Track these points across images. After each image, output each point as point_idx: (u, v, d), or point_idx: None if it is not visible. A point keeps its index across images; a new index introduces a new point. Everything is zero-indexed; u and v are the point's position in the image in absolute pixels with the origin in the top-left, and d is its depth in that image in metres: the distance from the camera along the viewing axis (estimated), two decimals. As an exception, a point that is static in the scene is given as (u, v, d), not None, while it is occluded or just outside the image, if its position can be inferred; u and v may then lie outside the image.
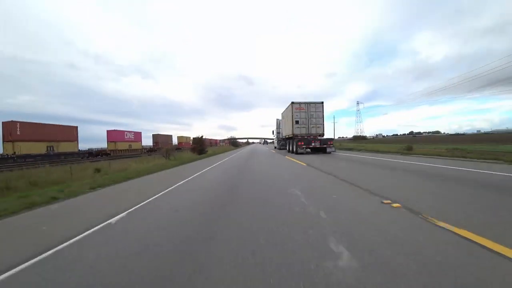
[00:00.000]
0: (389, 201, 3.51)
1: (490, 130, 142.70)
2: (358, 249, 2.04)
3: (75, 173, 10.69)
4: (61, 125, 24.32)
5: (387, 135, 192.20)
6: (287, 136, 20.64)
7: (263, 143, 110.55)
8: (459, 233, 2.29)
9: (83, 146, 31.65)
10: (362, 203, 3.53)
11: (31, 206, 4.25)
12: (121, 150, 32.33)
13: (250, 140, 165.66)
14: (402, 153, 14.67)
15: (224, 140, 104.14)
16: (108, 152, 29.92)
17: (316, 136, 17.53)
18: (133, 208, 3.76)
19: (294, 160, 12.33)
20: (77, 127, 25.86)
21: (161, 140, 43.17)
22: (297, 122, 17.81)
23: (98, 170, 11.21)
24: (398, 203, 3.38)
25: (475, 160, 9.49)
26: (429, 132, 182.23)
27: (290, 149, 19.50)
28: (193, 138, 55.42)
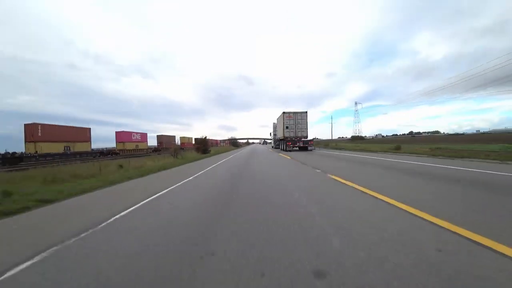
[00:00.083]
0: (319, 171, 5.75)
1: (488, 130, 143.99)
2: (306, 192, 4.10)
3: (101, 169, 12.75)
4: (76, 127, 26.49)
5: (386, 135, 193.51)
6: (280, 138, 26.39)
7: (263, 143, 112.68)
8: (384, 199, 4.33)
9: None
10: (309, 172, 5.66)
11: (90, 189, 5.78)
12: (129, 150, 34.49)
13: (250, 141, 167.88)
14: (386, 152, 16.70)
15: (225, 140, 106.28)
16: (117, 151, 32.07)
17: (301, 138, 23.00)
18: (166, 190, 5.82)
19: (284, 155, 16.26)
20: (90, 128, 28.08)
21: (165, 141, 45.32)
22: (287, 127, 23.50)
23: (121, 166, 13.28)
24: (321, 170, 5.45)
25: (447, 157, 10.66)
26: (428, 132, 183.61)
27: (282, 148, 25.86)
28: (195, 138, 57.35)
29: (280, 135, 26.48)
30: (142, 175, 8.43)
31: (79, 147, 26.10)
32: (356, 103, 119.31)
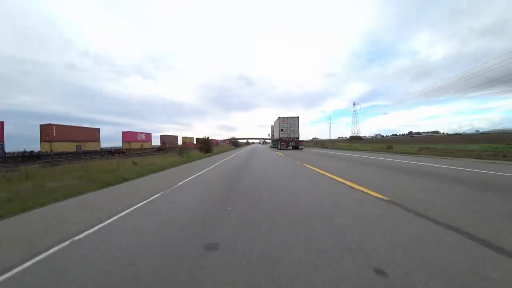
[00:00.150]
0: (299, 162, 7.48)
1: (487, 130, 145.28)
2: (286, 172, 5.78)
3: (116, 165, 14.43)
4: (86, 128, 28.23)
5: (386, 135, 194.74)
6: (276, 139, 31.14)
7: (262, 143, 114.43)
8: (350, 185, 6.02)
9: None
10: (291, 163, 7.43)
11: (122, 180, 7.60)
12: (134, 149, 36.21)
13: (250, 140, 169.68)
14: (377, 151, 18.38)
15: (225, 140, 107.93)
16: (124, 150, 33.76)
17: (293, 139, 27.76)
18: (183, 181, 7.49)
19: (279, 153, 18.77)
20: (99, 129, 29.82)
21: (167, 140, 47.01)
22: (282, 130, 28.29)
23: (135, 163, 14.94)
24: (301, 161, 7.12)
25: (432, 156, 12.01)
26: (428, 132, 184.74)
27: (278, 147, 29.99)
28: (197, 138, 58.80)
29: (276, 136, 31.12)
30: (163, 169, 10.16)
31: (89, 146, 27.81)
32: (354, 104, 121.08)
